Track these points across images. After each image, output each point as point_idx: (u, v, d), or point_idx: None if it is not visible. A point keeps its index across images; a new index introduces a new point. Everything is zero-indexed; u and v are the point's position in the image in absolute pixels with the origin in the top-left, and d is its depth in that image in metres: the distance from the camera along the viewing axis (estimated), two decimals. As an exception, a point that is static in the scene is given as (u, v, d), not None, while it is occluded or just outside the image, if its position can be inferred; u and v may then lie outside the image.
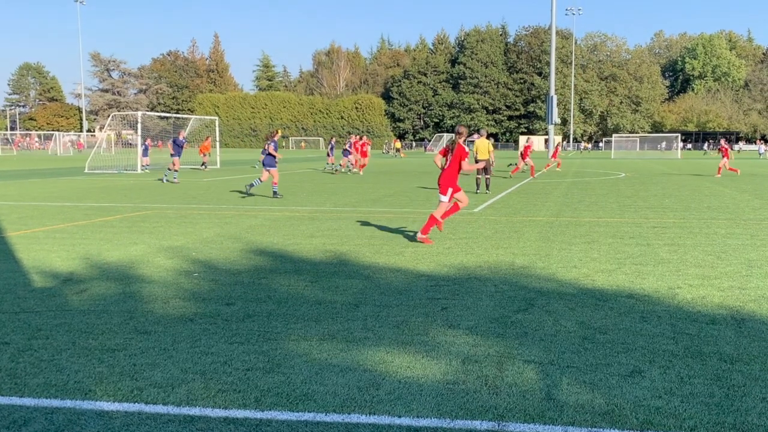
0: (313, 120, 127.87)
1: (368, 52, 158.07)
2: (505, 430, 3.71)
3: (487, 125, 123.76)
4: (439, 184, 10.47)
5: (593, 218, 13.83)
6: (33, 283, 7.56)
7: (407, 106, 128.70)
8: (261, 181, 19.19)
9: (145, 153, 34.57)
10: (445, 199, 10.34)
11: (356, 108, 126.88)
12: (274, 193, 18.64)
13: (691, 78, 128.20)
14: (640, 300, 6.70)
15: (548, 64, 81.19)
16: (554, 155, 38.35)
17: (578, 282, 7.56)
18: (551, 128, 72.83)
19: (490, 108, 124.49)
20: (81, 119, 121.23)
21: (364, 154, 33.86)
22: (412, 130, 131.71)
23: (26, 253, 9.56)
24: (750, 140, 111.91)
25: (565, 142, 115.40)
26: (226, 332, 5.59)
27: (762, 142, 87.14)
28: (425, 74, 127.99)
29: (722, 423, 3.79)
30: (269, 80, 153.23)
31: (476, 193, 19.99)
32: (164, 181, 25.45)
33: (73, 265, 8.61)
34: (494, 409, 3.99)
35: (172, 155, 26.74)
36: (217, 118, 49.69)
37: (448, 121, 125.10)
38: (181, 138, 28.13)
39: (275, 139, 19.35)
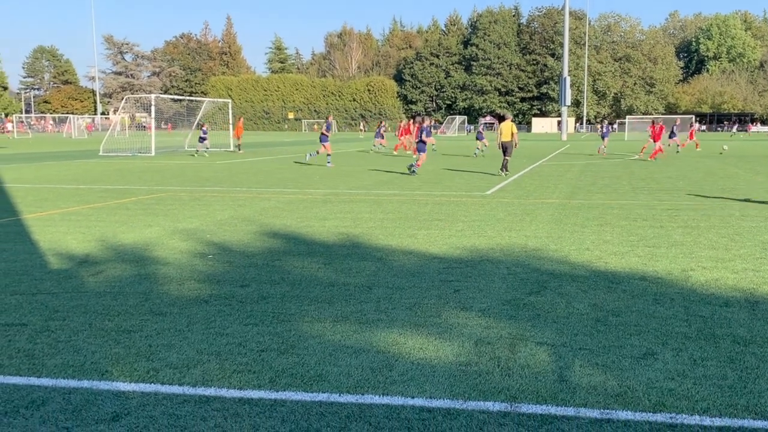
0: (325, 102, 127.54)
1: (380, 33, 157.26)
2: (517, 411, 3.72)
3: (500, 107, 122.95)
4: None
5: (606, 200, 13.76)
6: (49, 265, 7.63)
7: (419, 88, 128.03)
8: (318, 153, 24.64)
9: (202, 140, 32.92)
10: None
11: (368, 90, 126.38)
12: (328, 162, 24.20)
13: (706, 59, 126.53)
14: (653, 282, 6.68)
15: (561, 45, 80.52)
16: (691, 136, 39.85)
17: (591, 264, 7.54)
18: (564, 110, 72.38)
19: (503, 90, 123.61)
20: (95, 102, 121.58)
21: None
22: (424, 113, 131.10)
23: (42, 235, 9.64)
24: (765, 122, 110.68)
25: (578, 124, 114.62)
26: (241, 314, 5.63)
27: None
28: (437, 56, 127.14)
29: (735, 405, 3.78)
30: (281, 62, 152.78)
31: (503, 173, 20.26)
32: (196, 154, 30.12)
33: (88, 247, 8.67)
34: (507, 390, 4.00)
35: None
36: (230, 100, 49.67)
37: (461, 103, 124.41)
38: (204, 128, 32.19)
39: (329, 120, 25.58)
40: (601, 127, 35.70)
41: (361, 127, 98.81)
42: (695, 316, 5.48)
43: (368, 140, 56.98)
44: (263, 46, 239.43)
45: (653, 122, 30.43)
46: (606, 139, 33.99)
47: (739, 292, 6.25)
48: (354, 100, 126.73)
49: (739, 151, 37.60)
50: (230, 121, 35.80)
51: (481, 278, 6.88)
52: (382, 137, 38.06)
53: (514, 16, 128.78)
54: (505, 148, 20.50)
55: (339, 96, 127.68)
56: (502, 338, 4.97)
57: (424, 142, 20.21)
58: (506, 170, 20.63)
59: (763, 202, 13.29)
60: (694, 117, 79.74)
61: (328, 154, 24.19)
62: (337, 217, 11.44)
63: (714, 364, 4.42)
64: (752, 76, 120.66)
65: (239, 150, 36.40)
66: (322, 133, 24.22)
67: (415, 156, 20.94)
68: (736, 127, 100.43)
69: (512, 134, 20.47)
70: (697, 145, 38.67)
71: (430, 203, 13.32)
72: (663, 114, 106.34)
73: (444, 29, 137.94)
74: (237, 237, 9.39)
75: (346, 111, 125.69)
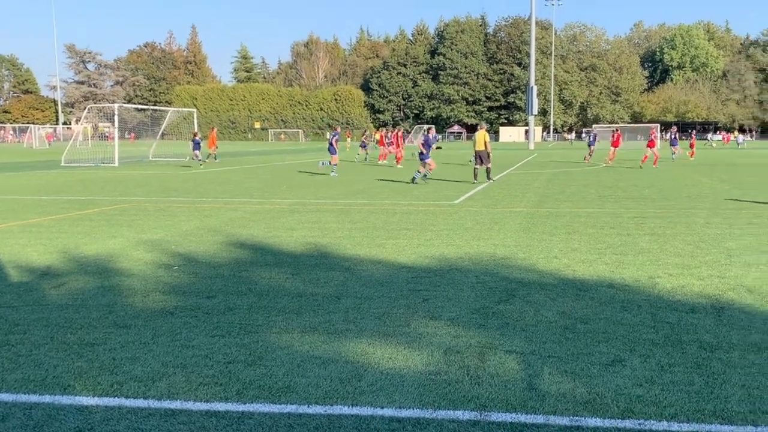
0: (292, 112, 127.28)
1: (347, 43, 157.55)
2: (487, 419, 3.73)
3: (467, 116, 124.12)
4: None
5: (574, 209, 13.93)
6: (9, 277, 7.47)
7: (387, 97, 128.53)
8: (330, 164, 24.91)
9: (197, 146, 32.26)
10: None
11: (335, 99, 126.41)
12: (333, 172, 24.65)
13: (670, 68, 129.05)
14: (620, 289, 6.77)
15: (528, 54, 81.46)
16: (692, 145, 40.78)
17: (559, 272, 7.62)
18: (531, 119, 73.16)
19: (470, 99, 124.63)
20: (57, 112, 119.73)
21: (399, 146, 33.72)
22: (392, 122, 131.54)
23: (1, 247, 9.44)
24: (729, 130, 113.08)
25: (545, 133, 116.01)
26: (207, 325, 5.57)
27: (740, 132, 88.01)
28: (405, 65, 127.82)
29: (702, 410, 3.84)
30: (247, 72, 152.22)
31: (473, 183, 20.47)
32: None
33: (50, 259, 8.52)
34: (476, 399, 4.02)
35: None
36: (195, 110, 49.24)
37: (428, 113, 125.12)
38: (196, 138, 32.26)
39: (337, 131, 27.32)
40: (588, 136, 36.74)
41: (328, 137, 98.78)
42: (662, 323, 5.57)
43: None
44: (229, 55, 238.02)
45: (615, 131, 31.94)
46: (592, 147, 34.92)
47: (704, 299, 6.37)
48: (321, 109, 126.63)
49: (706, 159, 38.37)
50: (194, 131, 35.55)
51: (449, 287, 6.91)
52: (365, 147, 38.28)
53: (480, 25, 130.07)
54: (480, 157, 20.82)
55: (306, 105, 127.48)
56: (471, 347, 4.99)
57: (423, 152, 20.89)
58: (490, 178, 21.10)
59: (727, 210, 13.57)
60: (659, 126, 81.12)
61: (334, 164, 24.79)
62: (304, 227, 11.41)
63: (681, 370, 4.49)
64: (715, 86, 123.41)
65: (215, 159, 36.06)
66: (331, 144, 25.19)
67: (420, 171, 20.97)
68: (710, 135, 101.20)
69: (485, 143, 20.78)
70: (692, 154, 39.38)
71: (399, 213, 13.35)
72: (629, 123, 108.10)
73: (411, 39, 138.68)
74: (203, 248, 9.30)
75: (312, 120, 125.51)
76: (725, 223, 11.53)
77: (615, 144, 32.52)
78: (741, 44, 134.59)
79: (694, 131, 53.05)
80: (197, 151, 31.57)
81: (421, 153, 20.97)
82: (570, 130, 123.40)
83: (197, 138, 32.26)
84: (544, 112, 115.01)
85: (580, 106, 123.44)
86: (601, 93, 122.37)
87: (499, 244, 9.51)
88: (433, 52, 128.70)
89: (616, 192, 17.70)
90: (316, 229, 11.16)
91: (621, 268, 7.78)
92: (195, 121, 43.77)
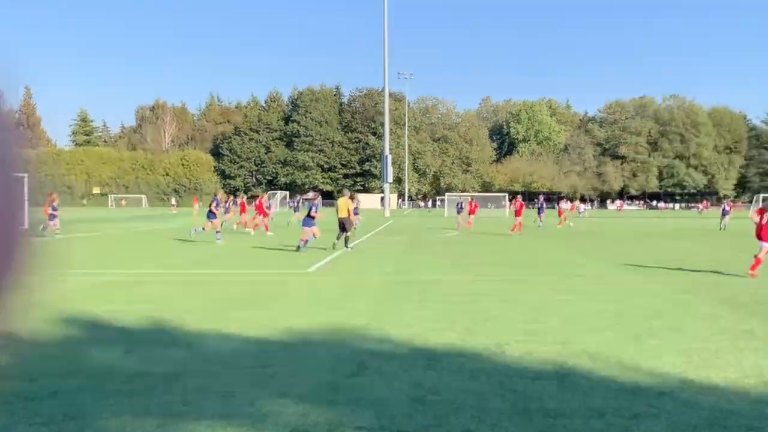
0: (135, 176, 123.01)
1: (197, 108, 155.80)
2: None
3: (323, 183, 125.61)
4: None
5: (427, 276, 14.27)
6: None
7: (238, 163, 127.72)
8: (204, 229, 24.48)
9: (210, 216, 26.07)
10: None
11: (183, 164, 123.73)
12: (218, 239, 24.09)
13: (517, 141, 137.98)
14: (470, 358, 6.94)
15: (382, 124, 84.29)
16: (560, 213, 43.91)
17: (411, 342, 7.71)
18: (387, 187, 75.25)
19: (326, 166, 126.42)
20: None
21: (262, 212, 32.65)
22: (243, 187, 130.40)
23: None
24: (571, 199, 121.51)
25: (400, 200, 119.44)
26: (26, 413, 5.10)
27: (581, 202, 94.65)
28: (257, 131, 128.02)
29: (547, 478, 3.94)
30: (87, 135, 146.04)
31: (333, 247, 20.69)
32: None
33: None
34: (323, 480, 3.91)
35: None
36: (26, 174, 46.37)
37: (282, 179, 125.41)
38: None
39: (217, 196, 26.49)
40: (458, 205, 38.46)
41: (173, 202, 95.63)
42: (509, 391, 5.74)
43: (181, 216, 55.47)
44: (67, 117, 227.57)
45: (471, 199, 34.33)
46: (460, 215, 36.47)
47: (549, 365, 6.65)
48: (167, 174, 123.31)
49: (559, 228, 40.88)
50: (25, 198, 33.40)
51: (299, 361, 6.79)
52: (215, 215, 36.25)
53: (335, 95, 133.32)
54: (343, 224, 21.11)
55: (150, 170, 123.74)
56: (319, 425, 4.88)
57: (312, 217, 20.33)
58: (348, 245, 21.11)
59: (572, 276, 14.42)
60: (507, 195, 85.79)
61: (217, 231, 24.37)
62: (145, 299, 10.88)
63: (527, 438, 4.62)
64: (558, 158, 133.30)
65: (42, 228, 33.80)
66: (210, 210, 24.73)
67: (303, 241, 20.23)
68: (583, 206, 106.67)
69: (348, 210, 21.24)
70: (560, 222, 42.02)
71: (248, 283, 13.08)
72: (479, 192, 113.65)
73: (264, 105, 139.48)
74: (26, 325, 8.59)
75: (157, 186, 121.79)
76: (570, 290, 12.23)
77: (472, 212, 35.62)
78: (580, 120, 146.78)
79: (563, 201, 57.50)
80: (54, 220, 29.41)
81: (307, 219, 20.58)
82: (424, 198, 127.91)
83: (54, 205, 30.06)
84: (399, 180, 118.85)
85: (434, 175, 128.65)
86: (453, 163, 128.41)
87: (352, 314, 9.51)
88: (287, 119, 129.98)
89: (469, 259, 18.37)
90: (159, 301, 10.68)
91: (471, 336, 8.00)
92: (26, 186, 41.09)
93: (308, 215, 20.46)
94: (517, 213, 32.49)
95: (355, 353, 7.15)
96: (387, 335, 8.09)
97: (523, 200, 34.92)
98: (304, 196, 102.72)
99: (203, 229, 24.57)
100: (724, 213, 40.58)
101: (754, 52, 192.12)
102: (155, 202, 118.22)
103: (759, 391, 5.80)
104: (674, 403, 5.42)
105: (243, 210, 34.47)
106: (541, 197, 44.06)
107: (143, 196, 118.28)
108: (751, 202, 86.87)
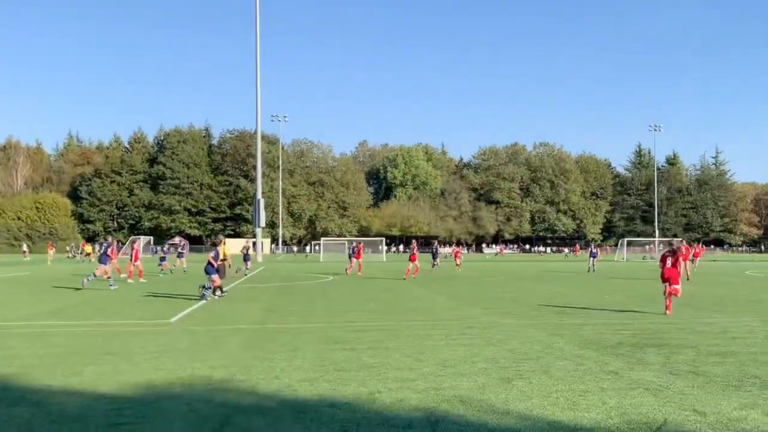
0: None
1: (53, 148, 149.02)
2: None
3: (191, 227, 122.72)
4: None
5: (300, 324, 14.12)
6: None
7: (98, 206, 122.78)
8: (95, 276, 24.27)
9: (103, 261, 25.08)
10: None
11: (37, 208, 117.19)
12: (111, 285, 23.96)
13: (394, 185, 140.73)
14: (341, 408, 6.87)
15: (255, 167, 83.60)
16: (456, 256, 46.57)
17: (280, 394, 7.56)
18: (259, 231, 74.33)
19: (194, 210, 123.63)
20: None
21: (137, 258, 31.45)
22: (104, 232, 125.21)
23: None
24: (447, 243, 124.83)
25: (274, 245, 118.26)
26: None
27: (458, 246, 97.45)
28: (120, 173, 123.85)
29: None
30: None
31: (215, 295, 20.60)
32: None
33: None
34: None
35: None
36: None
37: (147, 223, 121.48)
38: None
39: (109, 240, 26.66)
40: (350, 248, 39.22)
41: (25, 249, 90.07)
42: (380, 441, 5.71)
43: (34, 263, 52.42)
44: None
45: (357, 243, 35.50)
46: (353, 258, 37.11)
47: (421, 412, 6.70)
48: (19, 218, 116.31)
49: (437, 272, 41.66)
50: None
51: (156, 418, 6.49)
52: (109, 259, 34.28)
53: (204, 136, 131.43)
54: (218, 270, 20.95)
55: (1, 214, 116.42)
56: (175, 486, 4.66)
57: (212, 264, 20.12)
58: (222, 291, 21.17)
59: (444, 320, 14.68)
60: (384, 239, 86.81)
61: (108, 276, 24.35)
62: (-17, 356, 10.12)
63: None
64: (434, 202, 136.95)
65: None
66: (105, 254, 24.98)
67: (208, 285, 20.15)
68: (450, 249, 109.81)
69: (226, 255, 21.74)
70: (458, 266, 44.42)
71: (103, 334, 12.45)
72: (357, 236, 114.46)
73: (128, 146, 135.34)
74: None
75: (8, 230, 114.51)
76: (442, 334, 12.44)
77: (357, 256, 36.96)
78: (456, 165, 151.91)
79: (459, 245, 59.54)
80: None
81: (209, 266, 20.23)
82: (299, 242, 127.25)
83: None
84: (272, 224, 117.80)
85: (309, 219, 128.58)
86: (329, 207, 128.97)
87: (216, 366, 9.24)
88: (153, 161, 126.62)
89: (342, 305, 18.34)
90: (2, 357, 9.96)
91: (343, 386, 7.94)
92: None
93: (209, 263, 20.27)
94: (412, 258, 33.14)
95: (219, 408, 6.92)
96: (254, 387, 7.90)
97: (402, 244, 35.60)
98: (170, 242, 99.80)
99: (94, 275, 24.28)
100: (592, 255, 43.23)
101: (617, 103, 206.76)
102: (5, 249, 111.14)
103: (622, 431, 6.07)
104: (542, 446, 5.56)
105: (136, 258, 32.34)
106: (436, 242, 45.60)
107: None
108: (616, 245, 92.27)
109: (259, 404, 7.07)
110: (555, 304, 18.59)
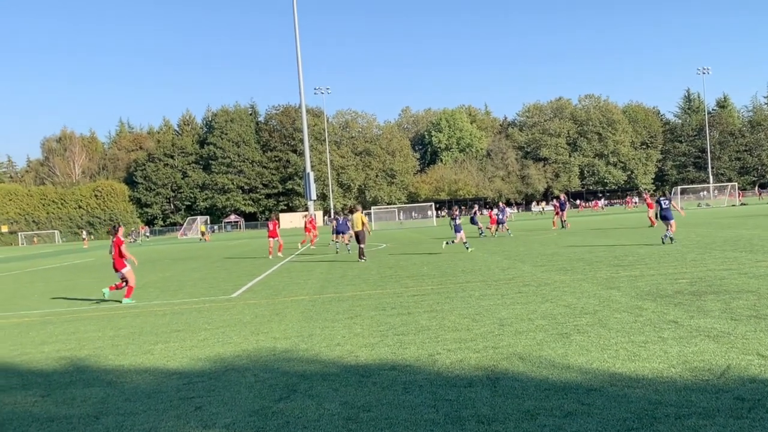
0: (46, 212, 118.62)
1: (106, 136, 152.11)
2: None
3: (245, 204, 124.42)
4: None
5: (356, 292, 14.25)
6: None
7: (154, 190, 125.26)
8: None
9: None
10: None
11: (96, 195, 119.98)
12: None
13: (439, 150, 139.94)
14: (402, 371, 6.95)
15: (302, 141, 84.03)
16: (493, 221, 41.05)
17: (342, 360, 7.67)
18: (311, 204, 74.84)
19: (246, 187, 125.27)
20: None
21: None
22: (161, 215, 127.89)
23: None
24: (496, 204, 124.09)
25: (326, 217, 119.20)
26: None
27: (506, 205, 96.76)
28: (172, 156, 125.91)
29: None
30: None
31: (359, 260, 22.91)
32: None
33: None
34: None
35: None
36: None
37: (202, 203, 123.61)
38: None
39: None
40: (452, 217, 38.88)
41: (84, 236, 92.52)
42: (442, 401, 5.78)
43: (99, 248, 53.89)
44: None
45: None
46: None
47: (481, 371, 6.73)
48: (80, 207, 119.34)
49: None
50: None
51: (225, 390, 6.67)
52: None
53: (251, 114, 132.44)
54: (358, 237, 23.64)
55: (62, 204, 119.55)
56: (248, 453, 4.80)
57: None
58: (363, 257, 23.15)
59: (499, 281, 14.65)
60: (434, 204, 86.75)
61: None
62: (58, 339, 10.51)
63: (461, 446, 4.65)
64: (481, 164, 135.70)
65: None
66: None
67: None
68: (508, 210, 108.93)
69: (363, 223, 23.70)
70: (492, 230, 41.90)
71: (169, 313, 12.79)
72: (406, 203, 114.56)
73: (177, 129, 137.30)
74: (-73, 378, 8.16)
75: (70, 219, 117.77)
76: (497, 294, 12.42)
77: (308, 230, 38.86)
78: (500, 125, 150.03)
79: (493, 208, 58.05)
80: None
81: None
82: (351, 212, 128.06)
83: None
84: (324, 197, 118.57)
85: (359, 189, 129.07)
86: (377, 176, 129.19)
87: (279, 337, 9.42)
88: (203, 142, 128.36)
89: (397, 272, 18.43)
90: (73, 340, 10.33)
91: (402, 349, 8.02)
92: None
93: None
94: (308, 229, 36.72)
95: (284, 376, 7.07)
96: (317, 355, 8.04)
97: (454, 208, 34.42)
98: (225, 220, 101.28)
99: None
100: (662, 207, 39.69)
101: (660, 49, 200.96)
102: (70, 237, 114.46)
103: (685, 380, 6.01)
104: (604, 399, 5.56)
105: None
106: (476, 206, 44.26)
107: (56, 231, 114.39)
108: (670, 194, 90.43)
109: (322, 371, 7.19)
110: (607, 257, 18.35)
